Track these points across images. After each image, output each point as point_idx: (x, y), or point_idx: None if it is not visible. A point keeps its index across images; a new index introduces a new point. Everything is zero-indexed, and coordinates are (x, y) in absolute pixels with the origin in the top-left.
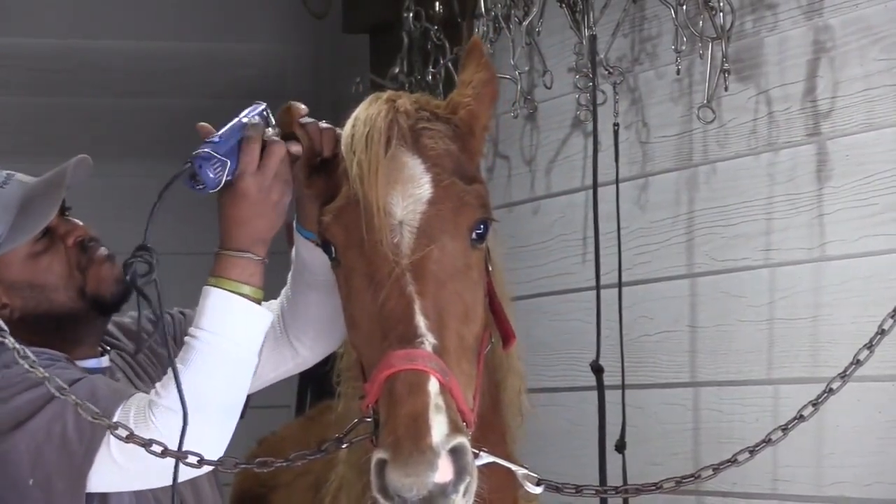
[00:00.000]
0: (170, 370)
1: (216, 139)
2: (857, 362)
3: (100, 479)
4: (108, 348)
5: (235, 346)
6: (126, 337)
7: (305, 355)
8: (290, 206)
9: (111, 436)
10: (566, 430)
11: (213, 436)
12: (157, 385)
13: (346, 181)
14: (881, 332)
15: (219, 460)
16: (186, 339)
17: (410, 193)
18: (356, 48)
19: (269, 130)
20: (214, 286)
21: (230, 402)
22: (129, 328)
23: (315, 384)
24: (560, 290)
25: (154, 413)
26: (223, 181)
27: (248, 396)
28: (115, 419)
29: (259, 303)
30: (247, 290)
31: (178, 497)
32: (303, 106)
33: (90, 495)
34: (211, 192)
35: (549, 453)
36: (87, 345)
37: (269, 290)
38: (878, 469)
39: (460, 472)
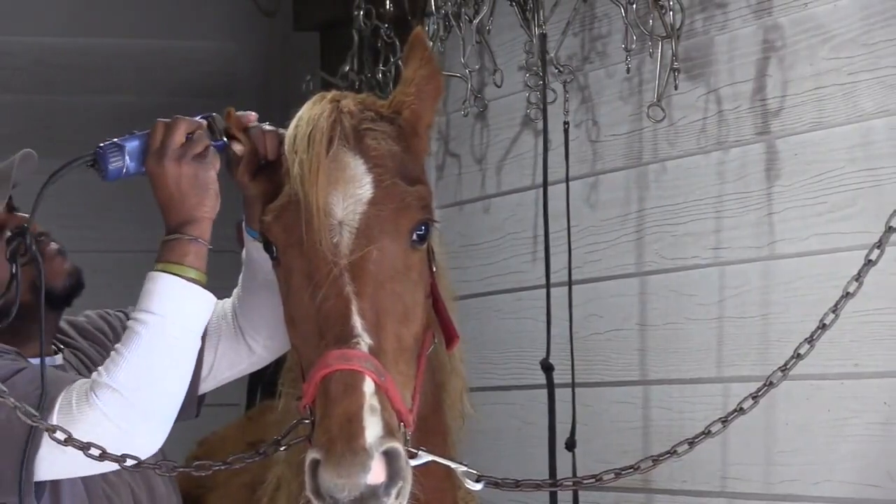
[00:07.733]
0: (113, 353)
1: (131, 133)
2: (797, 356)
3: (48, 466)
4: (62, 347)
5: (171, 325)
6: (80, 336)
7: (261, 353)
8: (239, 206)
9: (53, 426)
10: (517, 429)
11: (155, 416)
12: (100, 367)
13: (289, 181)
14: (822, 327)
15: (157, 464)
16: (128, 322)
17: (351, 194)
18: (306, 46)
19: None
20: (153, 270)
21: (170, 382)
22: (84, 327)
23: (265, 383)
24: (511, 288)
25: (97, 393)
26: (124, 170)
27: (203, 395)
28: (57, 402)
29: (203, 284)
30: (190, 273)
31: (131, 494)
32: (252, 114)
33: (40, 485)
34: (113, 179)
35: (500, 451)
36: (38, 340)
37: (222, 291)
38: (827, 467)
39: (393, 475)
